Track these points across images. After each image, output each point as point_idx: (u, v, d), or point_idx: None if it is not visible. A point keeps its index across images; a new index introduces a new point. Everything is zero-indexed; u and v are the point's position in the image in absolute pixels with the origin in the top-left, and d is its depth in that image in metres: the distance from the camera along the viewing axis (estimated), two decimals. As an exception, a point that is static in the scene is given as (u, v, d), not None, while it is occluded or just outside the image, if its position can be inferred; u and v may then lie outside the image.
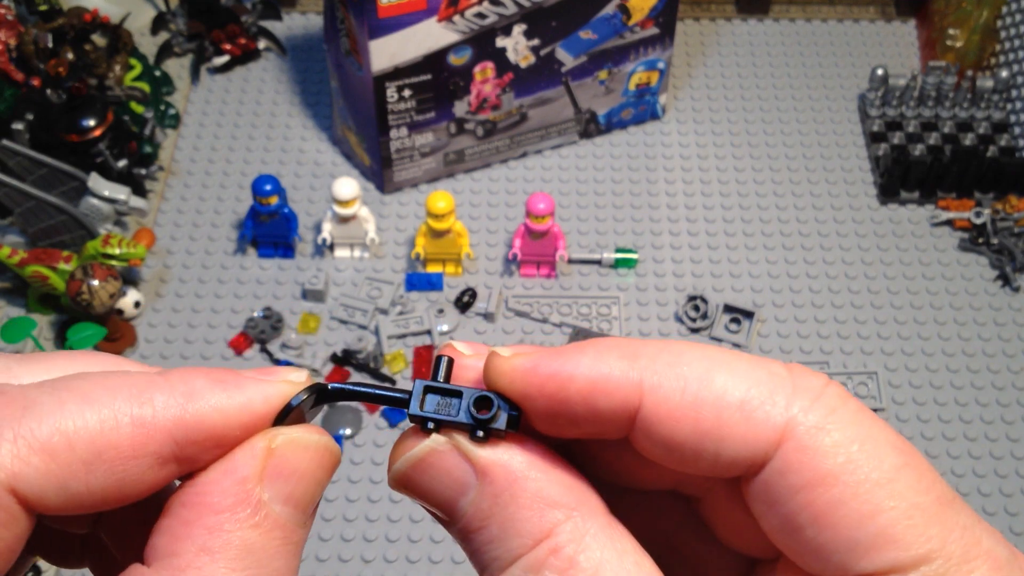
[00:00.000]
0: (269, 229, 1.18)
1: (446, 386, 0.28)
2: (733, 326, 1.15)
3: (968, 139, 1.30)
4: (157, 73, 1.35)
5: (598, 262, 1.20)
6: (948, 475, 1.05)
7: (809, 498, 0.25)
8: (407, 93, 1.17)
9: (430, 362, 1.11)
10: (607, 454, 0.30)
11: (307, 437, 0.27)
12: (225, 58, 1.38)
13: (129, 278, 1.17)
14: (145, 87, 1.31)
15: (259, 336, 1.13)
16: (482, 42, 1.17)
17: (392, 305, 1.16)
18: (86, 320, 1.05)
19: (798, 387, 0.26)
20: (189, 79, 1.38)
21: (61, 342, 1.11)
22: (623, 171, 1.30)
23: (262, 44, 1.41)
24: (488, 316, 1.15)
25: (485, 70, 1.20)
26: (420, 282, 1.17)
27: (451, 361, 0.29)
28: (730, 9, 1.48)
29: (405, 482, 0.28)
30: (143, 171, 1.22)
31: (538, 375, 0.27)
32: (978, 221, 1.22)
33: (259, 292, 1.18)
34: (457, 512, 0.27)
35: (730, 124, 1.35)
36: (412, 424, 0.28)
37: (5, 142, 1.11)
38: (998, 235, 1.21)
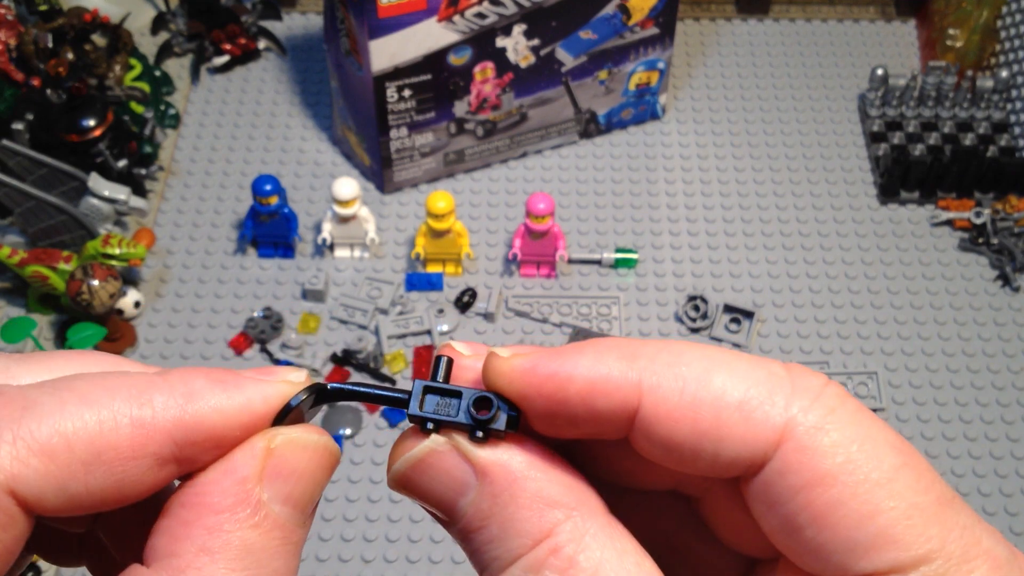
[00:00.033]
0: (269, 229, 1.18)
1: (445, 386, 0.28)
2: (733, 326, 1.15)
3: (968, 139, 1.30)
4: (157, 73, 1.35)
5: (598, 262, 1.20)
6: (948, 475, 1.05)
7: (808, 498, 0.25)
8: (407, 93, 1.17)
9: (430, 362, 1.11)
10: (607, 454, 0.30)
11: (306, 437, 0.27)
12: (225, 58, 1.38)
13: (129, 278, 1.17)
14: (145, 87, 1.31)
15: (259, 336, 1.13)
16: (482, 42, 1.17)
17: (392, 305, 1.16)
18: (86, 320, 1.05)
19: (797, 387, 0.26)
20: (189, 79, 1.38)
21: (61, 342, 1.11)
22: (623, 171, 1.30)
23: (262, 44, 1.41)
24: (488, 316, 1.15)
25: (485, 70, 1.20)
26: (420, 282, 1.17)
27: (450, 361, 0.29)
28: (730, 9, 1.48)
29: (405, 482, 0.28)
30: (143, 171, 1.22)
31: (537, 375, 0.27)
32: (978, 221, 1.22)
33: (259, 292, 1.18)
34: (457, 512, 0.27)
35: (730, 124, 1.35)
36: (411, 424, 0.28)
37: (5, 142, 1.11)
38: (998, 235, 1.21)
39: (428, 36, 1.13)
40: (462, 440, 0.27)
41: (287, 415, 0.28)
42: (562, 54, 1.23)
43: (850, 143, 1.33)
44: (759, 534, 0.27)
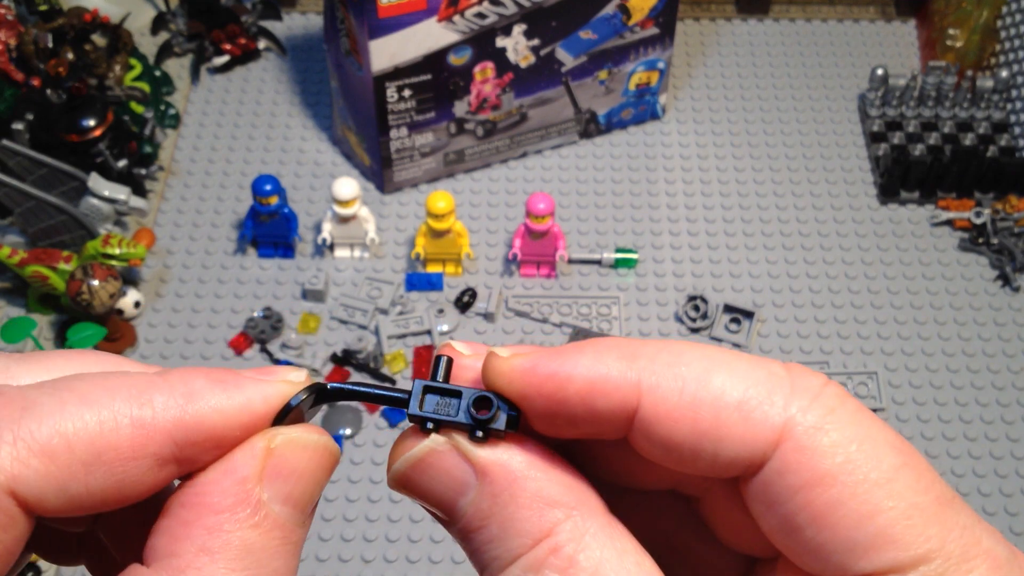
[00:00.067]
0: (269, 229, 1.18)
1: (445, 386, 0.28)
2: (733, 326, 1.15)
3: (968, 139, 1.30)
4: (157, 73, 1.35)
5: (598, 262, 1.20)
6: (948, 475, 1.05)
7: (808, 498, 0.25)
8: (407, 93, 1.17)
9: (430, 362, 1.11)
10: (607, 454, 0.30)
11: (306, 437, 0.27)
12: (225, 58, 1.38)
13: (129, 278, 1.17)
14: (145, 87, 1.31)
15: (259, 336, 1.13)
16: (482, 42, 1.17)
17: (392, 305, 1.16)
18: (86, 320, 1.05)
19: (796, 387, 0.26)
20: (189, 79, 1.38)
21: (61, 342, 1.11)
22: (623, 171, 1.30)
23: (262, 44, 1.41)
24: (488, 316, 1.15)
25: (485, 70, 1.20)
26: (420, 282, 1.17)
27: (450, 361, 0.29)
28: (730, 9, 1.48)
29: (404, 482, 0.28)
30: (143, 171, 1.22)
31: (536, 375, 0.27)
32: (978, 221, 1.22)
33: (259, 292, 1.18)
34: (457, 512, 0.27)
35: (730, 124, 1.35)
36: (411, 424, 0.28)
37: (5, 142, 1.11)
38: (998, 235, 1.21)
39: (428, 36, 1.13)
40: (462, 440, 0.27)
41: (287, 415, 0.28)
42: (562, 54, 1.23)
43: (850, 143, 1.33)
44: (759, 534, 0.27)
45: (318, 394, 0.29)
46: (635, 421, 0.27)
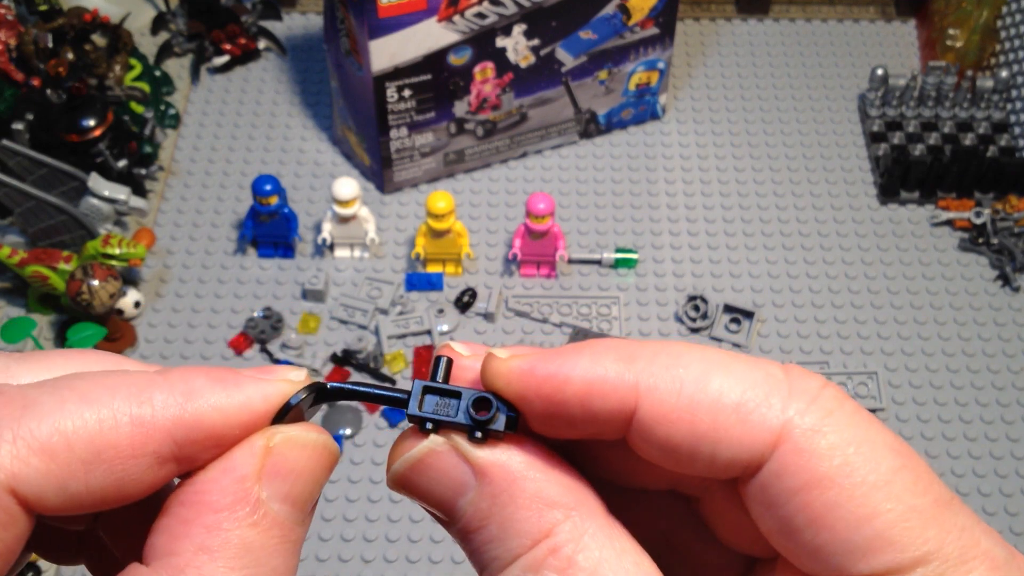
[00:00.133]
0: (269, 229, 1.18)
1: (445, 387, 0.28)
2: (733, 326, 1.15)
3: (968, 139, 1.30)
4: (157, 73, 1.35)
5: (598, 262, 1.20)
6: (948, 475, 1.05)
7: (806, 500, 0.25)
8: (407, 93, 1.17)
9: (430, 362, 1.10)
10: (606, 454, 0.30)
11: (306, 436, 0.28)
12: (225, 58, 1.38)
13: (129, 278, 1.17)
14: (145, 87, 1.31)
15: (259, 336, 1.13)
16: (482, 42, 1.17)
17: (392, 305, 1.16)
18: (86, 320, 1.05)
19: (795, 389, 0.26)
20: (189, 79, 1.38)
21: (61, 342, 1.11)
22: (623, 171, 1.30)
23: (262, 44, 1.41)
24: (488, 316, 1.15)
25: (485, 70, 1.20)
26: (420, 282, 1.17)
27: (450, 361, 0.29)
28: (730, 9, 1.48)
29: (404, 483, 0.28)
30: (143, 171, 1.22)
31: (535, 377, 0.27)
32: (978, 221, 1.22)
33: (259, 292, 1.18)
34: (456, 512, 0.27)
35: (730, 124, 1.35)
36: (411, 424, 0.28)
37: (5, 142, 1.11)
38: (998, 235, 1.21)
39: (428, 36, 1.13)
40: (461, 440, 0.27)
41: (287, 414, 0.28)
42: (562, 54, 1.23)
43: (850, 143, 1.33)
44: (758, 534, 0.27)
45: (318, 393, 0.29)
46: (633, 422, 0.27)
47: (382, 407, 1.09)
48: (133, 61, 1.33)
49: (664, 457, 0.27)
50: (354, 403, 1.09)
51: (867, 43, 1.45)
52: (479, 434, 0.27)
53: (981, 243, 1.22)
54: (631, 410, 0.26)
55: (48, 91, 1.20)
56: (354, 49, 1.15)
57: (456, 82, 1.19)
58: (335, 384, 0.29)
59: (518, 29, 1.18)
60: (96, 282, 1.04)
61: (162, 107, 1.32)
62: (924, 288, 1.19)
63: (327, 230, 1.18)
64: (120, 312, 1.13)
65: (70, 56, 1.25)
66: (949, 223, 1.25)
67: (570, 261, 1.20)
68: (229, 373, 0.27)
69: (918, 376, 1.12)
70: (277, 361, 1.11)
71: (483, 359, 0.28)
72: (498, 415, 0.27)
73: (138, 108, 1.28)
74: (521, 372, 0.27)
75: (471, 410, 0.27)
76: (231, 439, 0.27)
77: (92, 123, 1.16)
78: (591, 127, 1.32)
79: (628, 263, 1.20)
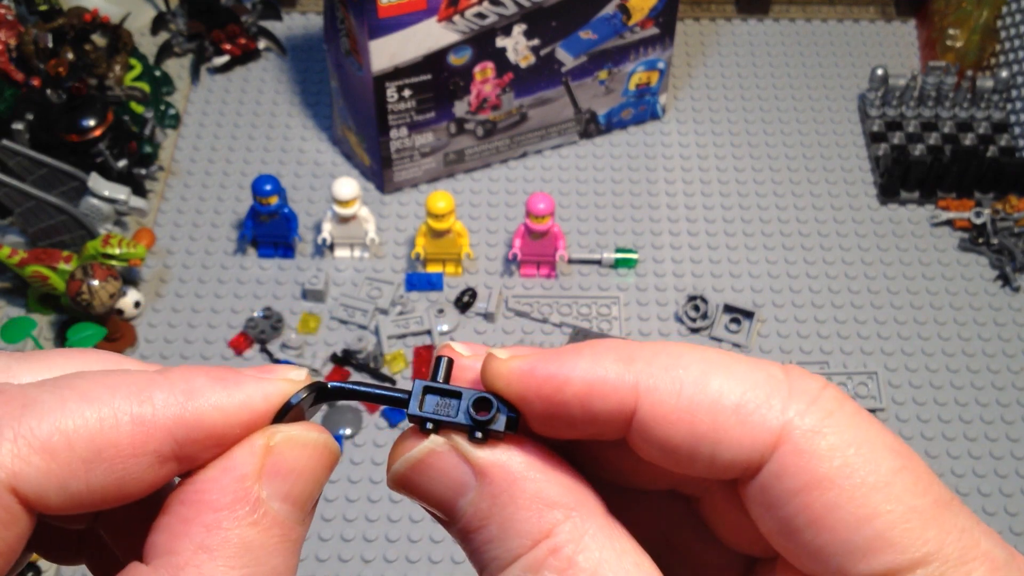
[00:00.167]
0: (269, 229, 1.18)
1: (445, 387, 0.28)
2: (733, 326, 1.15)
3: (968, 139, 1.30)
4: (157, 73, 1.35)
5: (598, 262, 1.20)
6: (948, 475, 1.05)
7: (806, 501, 0.25)
8: (407, 93, 1.17)
9: (430, 362, 1.11)
10: (606, 454, 0.30)
11: (306, 435, 0.28)
12: (225, 58, 1.38)
13: (129, 278, 1.17)
14: (145, 87, 1.31)
15: (259, 336, 1.13)
16: (482, 42, 1.17)
17: (392, 305, 1.16)
18: (86, 320, 1.05)
19: (795, 390, 0.26)
20: (189, 79, 1.38)
21: (61, 342, 1.11)
22: (623, 171, 1.30)
23: (262, 44, 1.41)
24: (488, 316, 1.15)
25: (485, 70, 1.20)
26: (420, 282, 1.17)
27: (450, 362, 0.29)
28: (730, 9, 1.48)
29: (404, 483, 0.28)
30: (143, 171, 1.22)
31: (535, 377, 0.27)
32: (978, 221, 1.22)
33: (259, 292, 1.18)
34: (456, 512, 0.27)
35: (730, 124, 1.35)
36: (411, 424, 0.28)
37: (5, 142, 1.11)
38: (998, 235, 1.21)
39: (428, 36, 1.13)
40: (461, 441, 0.27)
41: (287, 413, 0.28)
42: (562, 54, 1.23)
43: (850, 143, 1.33)
44: (758, 534, 0.27)
45: (318, 393, 0.29)
46: (633, 423, 0.27)
47: (382, 407, 1.09)
48: (133, 61, 1.33)
49: (664, 457, 0.27)
50: (354, 403, 1.09)
51: (867, 43, 1.45)
52: (479, 434, 0.27)
53: (981, 243, 1.22)
54: (631, 411, 0.26)
55: (48, 91, 1.20)
56: (354, 49, 1.15)
57: (456, 82, 1.19)
58: (335, 384, 0.29)
59: (518, 29, 1.18)
60: (96, 282, 1.04)
61: (162, 107, 1.32)
62: (924, 288, 1.19)
63: (327, 230, 1.18)
64: (120, 312, 1.13)
65: (70, 56, 1.25)
66: (949, 223, 1.25)
67: (570, 261, 1.20)
68: (230, 372, 0.27)
69: (918, 376, 1.12)
70: (277, 361, 1.11)
71: (483, 359, 0.28)
72: (498, 415, 0.27)
73: (138, 108, 1.28)
74: (521, 373, 0.27)
75: (471, 410, 0.27)
76: (231, 438, 0.27)
77: (92, 123, 1.16)
78: (591, 127, 1.32)
79: (628, 263, 1.20)
